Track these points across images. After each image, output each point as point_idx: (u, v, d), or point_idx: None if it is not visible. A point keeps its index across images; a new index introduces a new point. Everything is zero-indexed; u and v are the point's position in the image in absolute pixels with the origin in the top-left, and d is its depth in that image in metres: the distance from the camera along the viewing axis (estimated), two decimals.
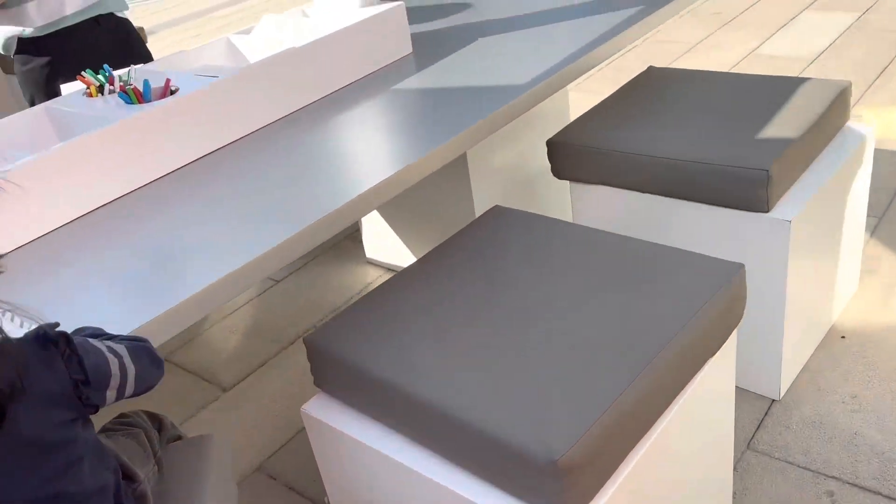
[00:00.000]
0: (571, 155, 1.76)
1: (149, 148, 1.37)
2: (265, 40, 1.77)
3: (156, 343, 1.00)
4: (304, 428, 1.90)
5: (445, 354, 1.15)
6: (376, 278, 2.43)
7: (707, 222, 1.62)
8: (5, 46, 2.03)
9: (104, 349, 0.84)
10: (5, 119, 1.61)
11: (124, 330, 0.97)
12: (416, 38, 1.97)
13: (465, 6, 2.23)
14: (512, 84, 1.58)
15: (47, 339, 0.77)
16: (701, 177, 1.58)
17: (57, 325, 0.80)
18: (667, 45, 3.95)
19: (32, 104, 2.06)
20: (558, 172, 1.82)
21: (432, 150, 1.35)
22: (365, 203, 1.25)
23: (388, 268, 2.45)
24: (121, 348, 0.86)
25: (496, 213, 1.53)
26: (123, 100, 1.42)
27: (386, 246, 2.41)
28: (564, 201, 2.39)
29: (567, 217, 2.40)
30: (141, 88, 1.44)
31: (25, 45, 2.00)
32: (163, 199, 1.34)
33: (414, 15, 2.19)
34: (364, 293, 2.37)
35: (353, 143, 1.43)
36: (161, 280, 1.08)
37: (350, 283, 2.42)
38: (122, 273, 1.12)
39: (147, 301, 1.03)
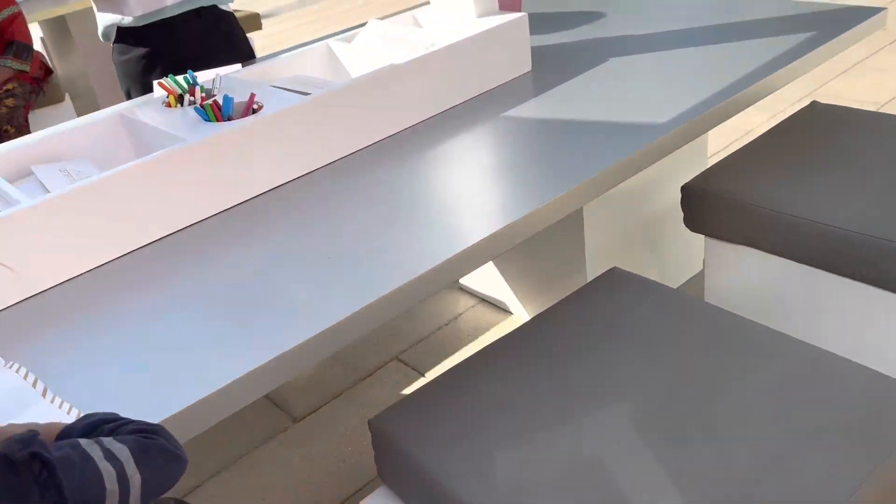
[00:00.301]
0: (711, 206, 1.49)
1: (218, 175, 1.21)
2: (368, 49, 1.58)
3: (235, 406, 0.86)
4: (373, 479, 1.73)
5: (534, 472, 0.92)
6: (467, 309, 2.21)
7: (874, 309, 1.31)
8: (105, 34, 1.94)
9: (99, 457, 0.66)
10: (83, 120, 1.50)
11: (197, 391, 0.84)
12: (536, 52, 1.73)
13: (597, 16, 1.96)
14: (645, 122, 1.32)
15: (15, 463, 0.60)
16: (872, 253, 1.27)
17: (34, 436, 0.63)
18: None
19: (129, 96, 1.97)
20: (693, 224, 1.54)
21: (542, 205, 1.13)
22: (460, 264, 1.04)
23: (481, 297, 2.24)
24: (124, 451, 0.68)
25: (614, 276, 1.28)
26: (201, 116, 1.27)
27: (480, 274, 2.19)
28: (696, 256, 2.08)
29: (697, 273, 2.09)
30: (221, 102, 1.28)
31: (124, 35, 1.90)
32: (230, 234, 1.17)
33: (536, 24, 1.94)
34: (453, 323, 2.17)
35: (449, 183, 1.22)
36: (232, 335, 0.93)
37: (439, 311, 2.22)
38: (190, 319, 0.96)
39: (214, 363, 0.88)
